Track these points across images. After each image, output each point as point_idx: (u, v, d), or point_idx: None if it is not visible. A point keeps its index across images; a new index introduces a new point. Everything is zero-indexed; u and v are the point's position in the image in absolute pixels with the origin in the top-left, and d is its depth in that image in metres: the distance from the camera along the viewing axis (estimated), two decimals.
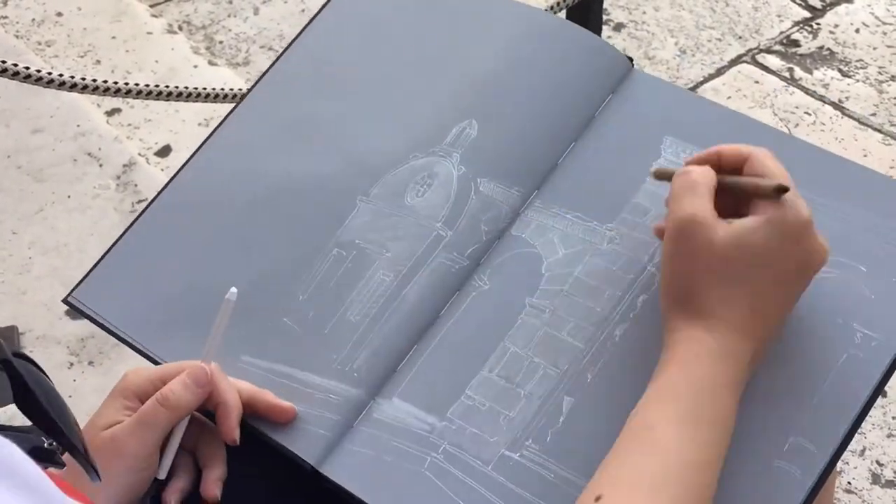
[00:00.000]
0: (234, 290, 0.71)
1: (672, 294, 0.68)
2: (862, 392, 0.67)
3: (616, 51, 0.86)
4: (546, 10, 1.51)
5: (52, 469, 0.61)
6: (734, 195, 0.68)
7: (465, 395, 0.73)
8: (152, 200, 0.86)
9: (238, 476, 0.74)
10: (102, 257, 0.84)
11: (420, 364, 0.75)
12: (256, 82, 0.91)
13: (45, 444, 0.60)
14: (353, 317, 0.78)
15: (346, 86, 0.89)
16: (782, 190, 0.65)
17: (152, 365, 0.76)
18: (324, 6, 0.94)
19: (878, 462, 1.47)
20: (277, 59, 0.92)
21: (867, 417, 1.55)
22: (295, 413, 0.74)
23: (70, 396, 1.53)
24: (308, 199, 0.83)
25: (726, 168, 0.69)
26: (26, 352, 1.65)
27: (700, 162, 0.70)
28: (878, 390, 0.68)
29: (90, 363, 1.59)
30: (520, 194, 0.80)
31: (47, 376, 0.61)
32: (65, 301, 0.82)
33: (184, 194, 0.86)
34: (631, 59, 0.86)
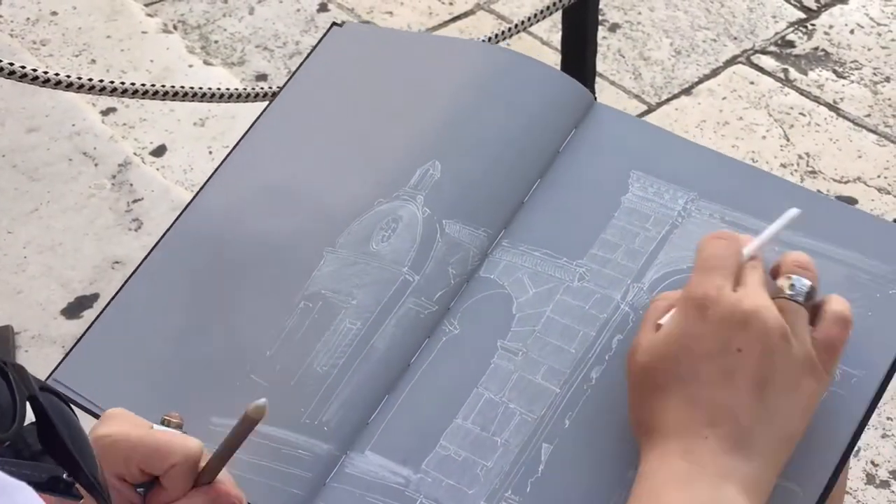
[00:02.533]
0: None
1: (632, 426, 0.67)
2: (846, 430, 0.67)
3: (577, 84, 0.85)
4: (544, 11, 1.51)
5: (68, 501, 0.61)
6: None
7: (440, 446, 0.71)
8: (133, 273, 0.86)
9: None
10: (83, 336, 0.84)
11: (392, 415, 0.73)
12: (230, 152, 0.91)
13: (64, 475, 0.59)
14: (319, 367, 0.76)
15: (314, 147, 0.89)
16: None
17: (127, 424, 0.69)
18: (292, 74, 0.95)
19: (872, 462, 1.48)
20: (249, 129, 0.92)
21: None
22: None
23: None
24: (277, 257, 0.82)
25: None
26: (23, 352, 1.65)
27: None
28: (862, 426, 0.67)
29: None
30: (487, 235, 0.79)
31: (70, 406, 0.60)
32: (42, 387, 0.81)
33: (161, 265, 0.86)
34: (593, 92, 0.85)
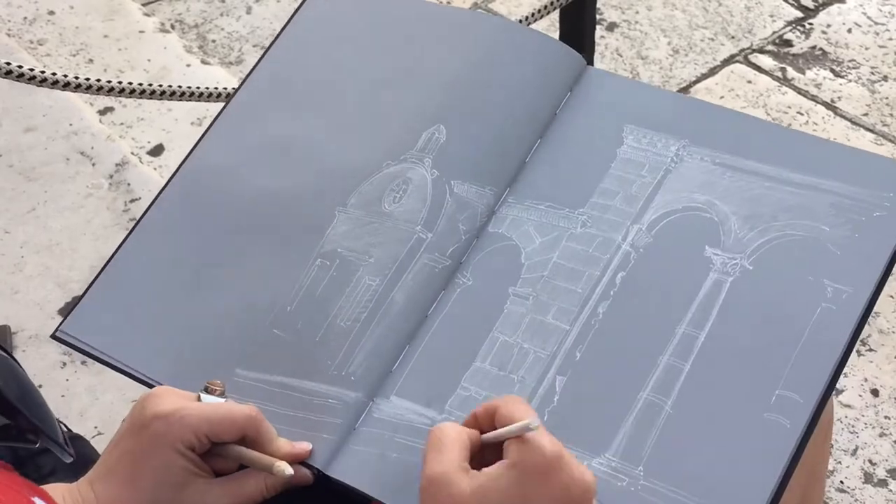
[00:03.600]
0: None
1: None
2: (839, 341, 0.71)
3: (571, 50, 0.89)
4: (541, 10, 1.51)
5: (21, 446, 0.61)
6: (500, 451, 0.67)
7: (461, 388, 0.76)
8: (135, 225, 0.87)
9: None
10: (88, 289, 0.85)
11: (414, 362, 0.77)
12: (227, 101, 0.92)
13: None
14: (343, 322, 0.79)
15: (314, 101, 0.92)
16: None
17: (181, 398, 0.74)
18: (287, 23, 0.96)
19: (870, 461, 1.48)
20: (245, 78, 0.93)
21: (860, 417, 1.56)
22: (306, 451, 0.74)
23: (63, 396, 1.53)
24: (287, 214, 0.85)
25: (485, 426, 0.68)
26: (19, 352, 1.65)
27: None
28: (855, 338, 0.72)
29: (83, 363, 1.58)
30: (493, 193, 0.84)
31: (18, 364, 0.60)
32: (53, 336, 0.83)
33: (166, 217, 0.88)
34: (586, 59, 0.89)
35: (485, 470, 0.64)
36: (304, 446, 0.74)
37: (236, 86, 2.10)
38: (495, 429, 0.67)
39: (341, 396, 0.76)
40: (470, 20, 0.94)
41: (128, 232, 0.87)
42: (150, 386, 0.79)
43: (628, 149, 0.84)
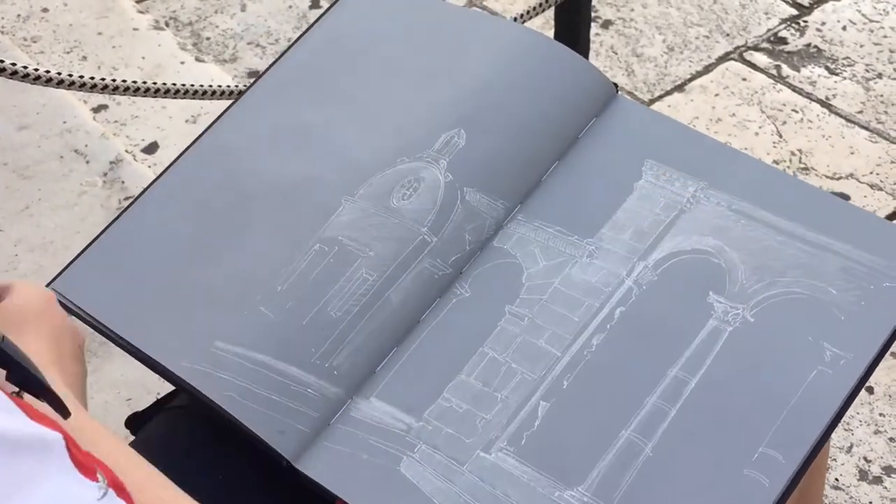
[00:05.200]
0: None
1: None
2: (830, 406, 0.70)
3: (603, 76, 0.88)
4: (536, 7, 1.51)
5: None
6: None
7: (443, 398, 0.75)
8: (139, 195, 0.87)
9: (216, 470, 0.74)
10: (85, 249, 0.84)
11: (399, 366, 0.77)
12: (252, 84, 0.91)
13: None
14: (333, 312, 0.78)
15: (339, 92, 0.91)
16: None
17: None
18: (322, 15, 0.95)
19: (865, 458, 1.48)
20: (274, 62, 0.93)
21: (854, 414, 1.56)
22: None
23: None
24: (294, 197, 0.84)
25: None
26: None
27: None
28: (847, 406, 0.71)
29: None
30: (504, 207, 0.82)
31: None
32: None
33: (171, 190, 0.88)
34: (616, 86, 0.88)
35: None
36: None
37: (231, 83, 2.09)
38: None
39: (321, 389, 0.75)
40: (509, 31, 0.94)
41: (132, 200, 0.87)
42: (137, 354, 0.78)
43: (646, 183, 0.82)
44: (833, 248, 0.77)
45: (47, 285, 0.83)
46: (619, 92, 0.88)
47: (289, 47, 0.94)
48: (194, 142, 0.89)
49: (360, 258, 0.80)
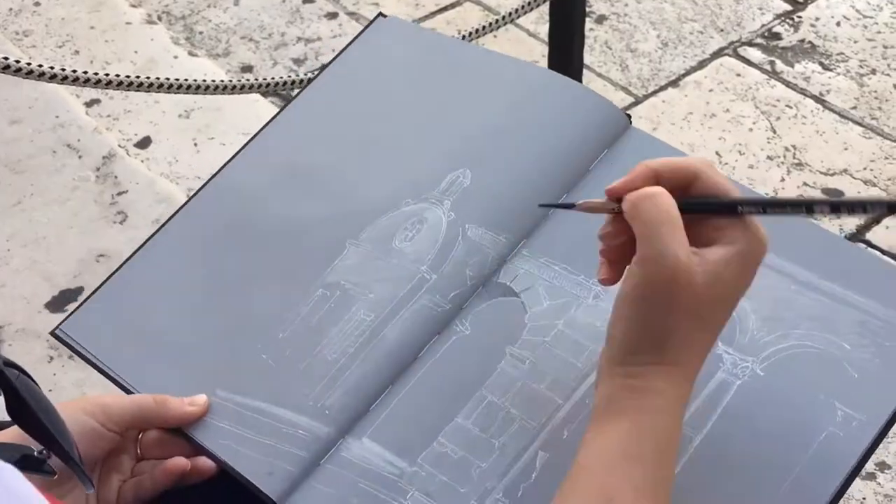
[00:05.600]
0: None
1: (633, 342, 0.60)
2: (841, 469, 0.67)
3: (615, 108, 0.86)
4: (531, 2, 1.50)
5: (39, 477, 0.61)
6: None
7: (438, 442, 0.72)
8: (149, 238, 0.87)
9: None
10: (95, 291, 0.85)
11: (394, 405, 0.74)
12: (261, 129, 0.92)
13: (35, 453, 0.60)
14: (329, 355, 0.77)
15: (346, 136, 0.90)
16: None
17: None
18: (331, 61, 0.96)
19: None
20: (282, 109, 0.93)
21: None
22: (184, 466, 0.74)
23: (50, 391, 1.52)
24: (299, 242, 0.84)
25: (672, 187, 0.62)
26: (6, 346, 1.63)
27: (636, 184, 0.62)
28: (858, 469, 0.68)
29: (70, 357, 1.58)
30: (507, 242, 0.80)
31: (35, 382, 0.60)
32: (52, 334, 0.83)
33: (180, 233, 0.87)
34: (629, 117, 0.87)
35: (713, 255, 0.58)
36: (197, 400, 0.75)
37: (224, 77, 2.08)
38: (685, 192, 0.61)
39: (312, 429, 0.74)
40: (515, 68, 0.92)
41: (143, 240, 0.87)
42: (127, 392, 0.79)
43: None
44: (849, 300, 0.73)
45: (55, 329, 0.83)
46: (631, 123, 0.86)
47: (297, 94, 0.95)
48: (206, 183, 0.89)
49: (359, 300, 0.79)
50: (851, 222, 1.78)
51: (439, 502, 0.70)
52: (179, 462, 0.73)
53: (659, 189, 0.60)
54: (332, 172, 0.88)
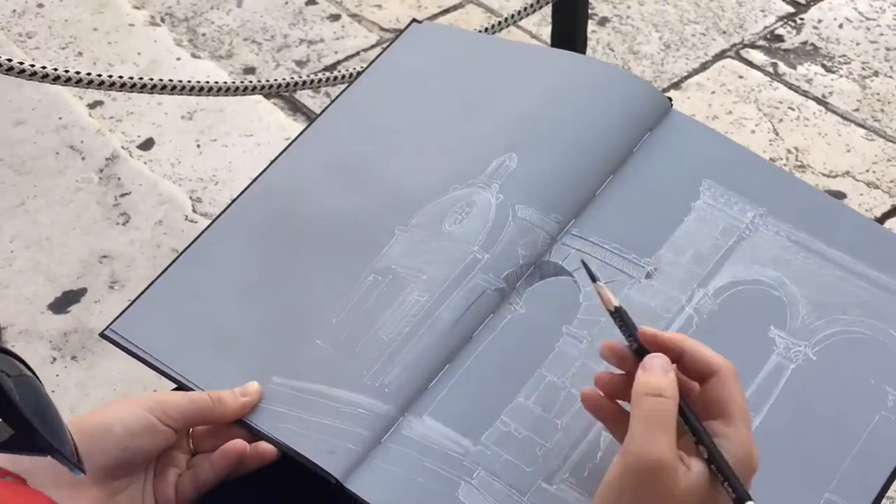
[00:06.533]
0: None
1: None
2: (895, 453, 0.68)
3: (656, 90, 0.87)
4: (533, 4, 1.51)
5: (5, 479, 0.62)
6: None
7: (501, 421, 0.72)
8: (198, 237, 0.88)
9: (252, 486, 0.74)
10: (144, 290, 0.85)
11: (452, 384, 0.74)
12: (304, 129, 0.93)
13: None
14: (385, 335, 0.77)
15: (391, 130, 0.91)
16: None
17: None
18: (369, 65, 0.97)
19: None
20: (328, 106, 0.94)
21: None
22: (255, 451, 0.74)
23: (53, 391, 1.52)
24: (348, 231, 0.84)
25: (682, 369, 0.64)
26: (10, 347, 1.64)
27: (659, 346, 0.63)
28: None
29: (73, 358, 1.58)
30: (557, 221, 0.81)
31: (31, 369, 0.60)
32: (101, 335, 0.83)
33: (229, 230, 0.88)
34: (671, 100, 0.87)
35: (698, 469, 0.59)
36: (250, 388, 0.75)
37: (227, 79, 2.08)
38: (700, 382, 0.62)
39: (371, 407, 0.74)
40: (559, 58, 0.93)
41: (189, 243, 0.88)
42: (182, 386, 0.79)
43: (704, 205, 0.80)
44: (893, 287, 0.75)
45: (105, 329, 0.83)
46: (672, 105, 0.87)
47: (349, 84, 0.96)
48: (251, 183, 0.90)
49: (412, 283, 0.79)
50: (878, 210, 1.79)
51: (506, 481, 0.70)
52: (238, 444, 0.73)
53: (669, 392, 0.61)
54: (378, 165, 0.88)
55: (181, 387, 0.79)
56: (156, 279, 0.86)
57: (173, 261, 0.87)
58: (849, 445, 0.69)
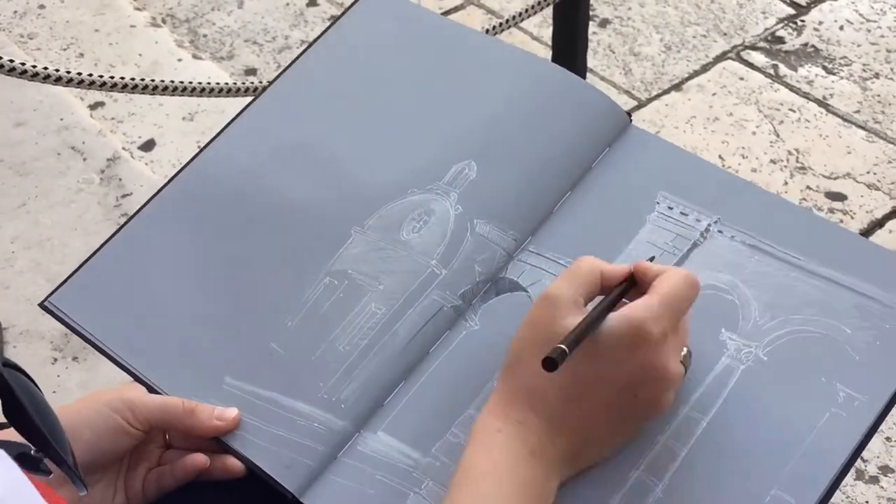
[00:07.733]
0: None
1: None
2: (844, 449, 0.69)
3: (616, 105, 0.87)
4: (535, 5, 1.51)
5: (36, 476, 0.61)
6: None
7: (451, 433, 0.73)
8: (139, 210, 0.85)
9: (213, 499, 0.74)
10: (84, 263, 0.83)
11: (407, 399, 0.75)
12: (255, 98, 0.90)
13: (32, 452, 0.60)
14: (342, 346, 0.77)
15: (347, 112, 0.89)
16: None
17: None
18: (329, 27, 0.94)
19: (861, 458, 1.48)
20: (277, 77, 0.91)
21: None
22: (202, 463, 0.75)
23: (54, 392, 1.52)
24: (302, 224, 0.83)
25: (641, 283, 0.71)
26: (10, 348, 1.64)
27: (641, 274, 0.71)
28: (861, 448, 0.69)
29: (74, 359, 1.58)
30: (515, 239, 0.81)
31: (35, 384, 0.60)
32: (41, 305, 0.82)
33: (173, 205, 0.86)
34: (630, 115, 0.88)
35: (590, 313, 0.66)
36: (228, 413, 0.75)
37: (228, 80, 2.08)
38: (642, 289, 0.69)
39: (327, 423, 0.74)
40: (520, 60, 0.92)
41: (129, 216, 0.86)
42: (132, 373, 0.78)
43: (658, 216, 0.81)
44: (847, 284, 0.75)
45: (45, 299, 0.82)
46: (632, 121, 0.87)
47: (297, 57, 0.92)
48: (195, 156, 0.88)
49: (369, 292, 0.79)
50: (854, 226, 1.78)
51: None
52: (197, 459, 0.73)
53: (584, 257, 0.71)
54: (330, 151, 0.87)
55: (126, 371, 0.78)
56: (96, 251, 0.83)
57: (115, 232, 0.84)
58: (797, 443, 0.69)
